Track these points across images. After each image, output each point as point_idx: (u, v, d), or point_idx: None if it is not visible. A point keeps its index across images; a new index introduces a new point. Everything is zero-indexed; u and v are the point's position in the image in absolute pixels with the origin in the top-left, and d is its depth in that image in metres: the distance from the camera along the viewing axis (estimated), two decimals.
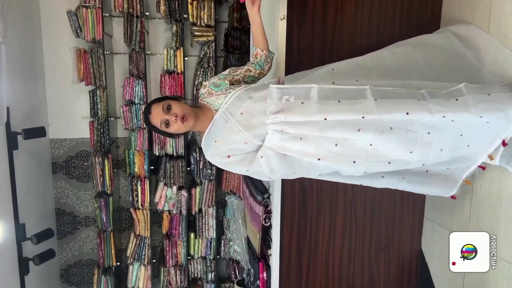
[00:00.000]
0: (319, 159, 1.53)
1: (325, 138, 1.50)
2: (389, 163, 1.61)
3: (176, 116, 1.48)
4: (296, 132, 1.49)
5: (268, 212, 2.15)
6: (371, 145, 1.52)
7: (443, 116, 1.51)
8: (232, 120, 1.52)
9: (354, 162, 1.56)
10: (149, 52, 3.38)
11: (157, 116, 1.51)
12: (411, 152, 1.58)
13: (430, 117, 1.50)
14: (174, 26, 3.23)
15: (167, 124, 1.50)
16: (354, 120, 1.48)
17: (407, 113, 1.49)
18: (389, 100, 1.51)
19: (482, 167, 1.82)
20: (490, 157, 1.73)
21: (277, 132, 1.49)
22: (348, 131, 1.48)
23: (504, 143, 1.66)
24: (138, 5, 3.14)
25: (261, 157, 1.54)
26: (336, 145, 1.51)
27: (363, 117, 1.46)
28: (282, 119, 1.47)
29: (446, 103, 1.53)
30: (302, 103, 1.48)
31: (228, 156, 1.56)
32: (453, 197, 1.86)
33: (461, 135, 1.61)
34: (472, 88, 1.60)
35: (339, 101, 1.49)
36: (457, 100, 1.55)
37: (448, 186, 1.83)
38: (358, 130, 1.48)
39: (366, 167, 1.59)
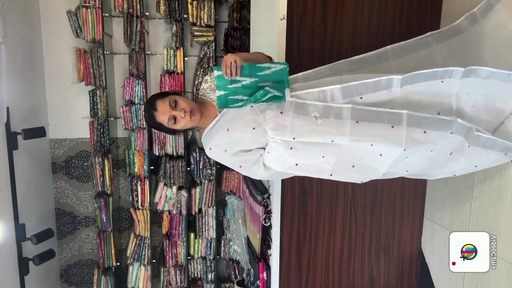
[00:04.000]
0: (297, 164, 1.54)
1: (313, 145, 1.50)
2: (384, 174, 1.62)
3: (184, 112, 1.45)
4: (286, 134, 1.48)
5: (268, 212, 2.15)
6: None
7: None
8: (255, 115, 1.50)
9: (353, 165, 1.56)
10: (149, 52, 3.38)
11: (165, 112, 1.45)
12: (407, 171, 1.61)
13: (399, 150, 1.49)
14: (174, 26, 3.23)
15: (174, 120, 1.46)
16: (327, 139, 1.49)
17: (371, 145, 1.48)
18: (365, 124, 1.48)
19: None
20: None
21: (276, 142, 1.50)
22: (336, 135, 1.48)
23: None
24: (138, 5, 3.14)
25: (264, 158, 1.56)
26: (323, 156, 1.52)
27: (332, 141, 1.47)
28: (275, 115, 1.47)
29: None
30: (281, 113, 1.48)
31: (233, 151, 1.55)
32: None
33: (451, 153, 1.61)
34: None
35: (316, 119, 1.48)
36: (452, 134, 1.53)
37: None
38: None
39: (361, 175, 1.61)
